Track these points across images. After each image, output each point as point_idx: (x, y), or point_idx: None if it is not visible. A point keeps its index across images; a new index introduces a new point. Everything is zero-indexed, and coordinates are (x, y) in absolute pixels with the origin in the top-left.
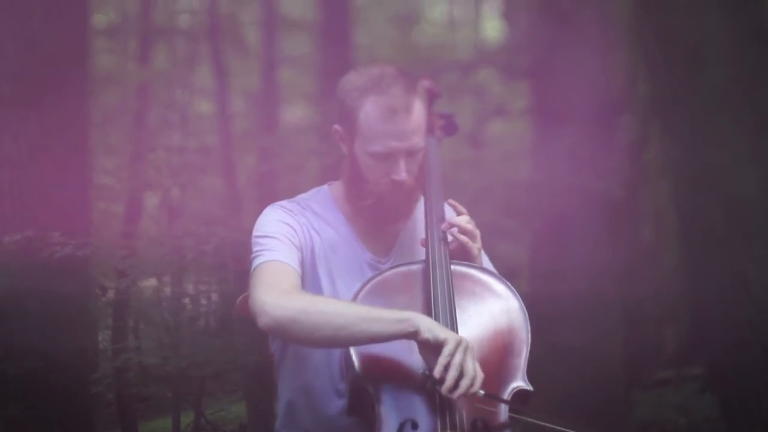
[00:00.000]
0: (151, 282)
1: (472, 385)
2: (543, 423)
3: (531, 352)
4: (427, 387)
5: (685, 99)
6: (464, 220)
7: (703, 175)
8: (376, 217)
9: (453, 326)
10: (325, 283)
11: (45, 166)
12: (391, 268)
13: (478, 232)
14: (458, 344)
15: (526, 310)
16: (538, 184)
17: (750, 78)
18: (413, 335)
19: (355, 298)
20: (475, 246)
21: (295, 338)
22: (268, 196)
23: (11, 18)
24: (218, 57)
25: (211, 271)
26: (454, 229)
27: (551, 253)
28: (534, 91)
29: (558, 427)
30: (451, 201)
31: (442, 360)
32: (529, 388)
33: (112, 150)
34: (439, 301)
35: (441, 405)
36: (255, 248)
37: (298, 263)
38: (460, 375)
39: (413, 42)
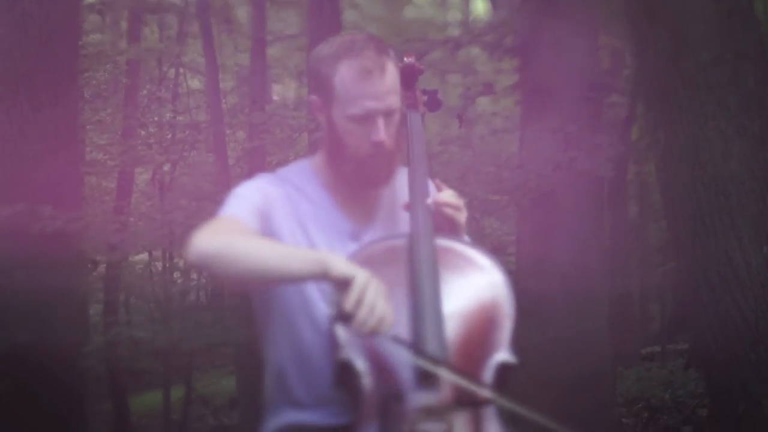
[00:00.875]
0: (143, 257)
1: (380, 324)
2: (522, 410)
3: (517, 329)
4: (337, 322)
5: (670, 78)
6: (448, 194)
7: (689, 155)
8: (359, 183)
9: (437, 300)
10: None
11: (36, 142)
12: (375, 242)
13: (462, 203)
14: (368, 280)
15: (509, 283)
16: (525, 162)
17: (735, 58)
18: (325, 274)
19: None
20: (462, 216)
21: (216, 273)
22: (258, 171)
23: None
24: (208, 34)
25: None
26: (445, 208)
27: (538, 230)
28: (522, 69)
29: (536, 417)
30: (436, 181)
31: (353, 294)
32: (513, 361)
33: (104, 126)
34: (423, 275)
35: (425, 378)
36: (221, 208)
37: (253, 222)
38: (371, 312)
39: (403, 20)
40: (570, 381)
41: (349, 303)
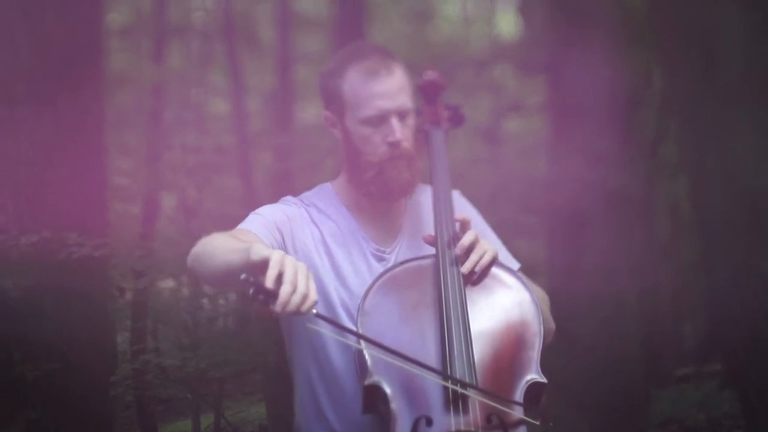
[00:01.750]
0: (169, 283)
1: (303, 302)
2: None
3: (551, 350)
4: (257, 297)
5: (700, 94)
6: (468, 240)
7: (720, 170)
8: (380, 193)
9: (465, 320)
10: (328, 272)
11: (60, 167)
12: (401, 263)
13: (486, 244)
14: (283, 257)
15: (537, 302)
16: (554, 180)
17: (765, 72)
18: (248, 261)
19: (366, 295)
20: (490, 251)
21: (197, 274)
22: (285, 194)
23: (25, 17)
24: (233, 55)
25: None
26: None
27: (568, 250)
28: (550, 86)
29: None
30: (457, 216)
31: (270, 271)
32: (543, 380)
33: (128, 150)
34: (449, 295)
35: (455, 401)
36: None
37: (268, 236)
38: (292, 289)
39: (428, 38)
40: (603, 402)
41: (268, 279)
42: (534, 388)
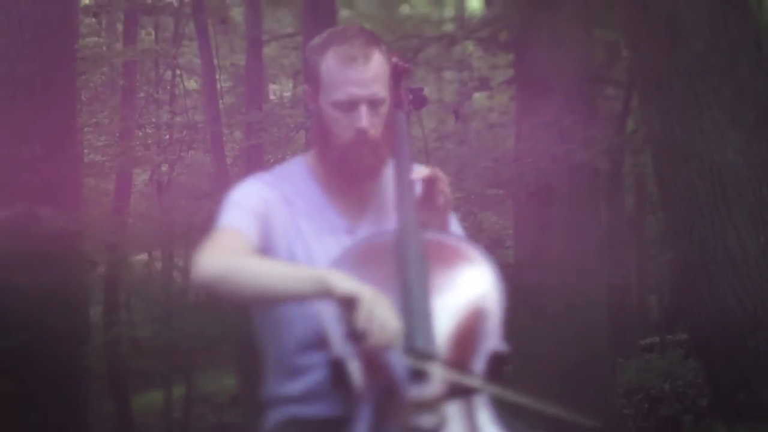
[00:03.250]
0: (142, 257)
1: (394, 336)
2: (514, 398)
3: (518, 321)
4: (350, 341)
5: (665, 69)
6: (443, 176)
7: (684, 145)
8: (345, 174)
9: (426, 295)
10: (299, 250)
11: (35, 144)
12: (364, 239)
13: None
14: (375, 296)
15: (498, 273)
16: (521, 155)
17: (729, 47)
18: (328, 293)
19: (331, 269)
20: (447, 190)
21: (220, 296)
22: (256, 170)
23: None
24: (204, 35)
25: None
26: (440, 184)
27: (535, 223)
28: (516, 63)
29: (532, 403)
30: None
31: (363, 313)
32: (505, 349)
33: (101, 128)
34: (412, 270)
35: (416, 373)
36: (220, 214)
37: (254, 231)
38: (383, 328)
39: (398, 17)
40: (569, 372)
41: (360, 322)
42: (496, 357)
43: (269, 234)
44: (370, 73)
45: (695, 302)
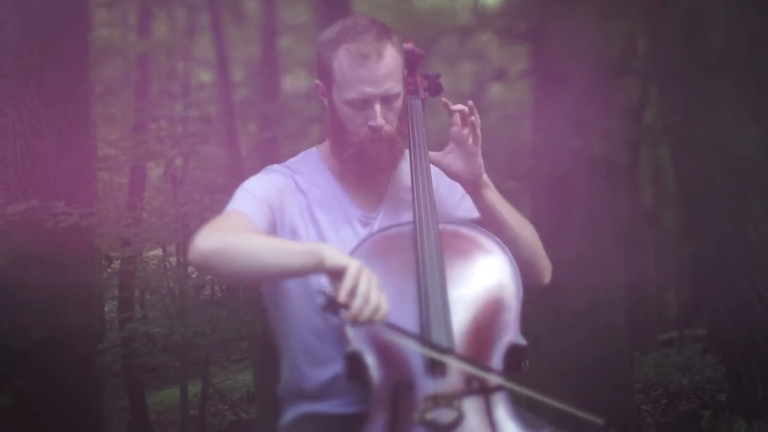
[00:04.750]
0: (156, 252)
1: (375, 313)
2: (533, 394)
3: (536, 317)
4: (330, 310)
5: (684, 62)
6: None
7: (703, 137)
8: (360, 169)
9: (443, 285)
10: (314, 239)
11: (48, 138)
12: (382, 230)
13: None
14: (360, 270)
15: (516, 265)
16: (538, 147)
17: (749, 41)
18: (319, 266)
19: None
20: (479, 140)
21: (216, 271)
22: (270, 163)
23: None
24: (218, 26)
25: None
26: (466, 114)
27: (553, 216)
28: (533, 54)
29: (547, 400)
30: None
31: (345, 284)
32: (523, 342)
33: (115, 121)
34: (428, 262)
35: (434, 365)
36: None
37: (262, 217)
38: (365, 302)
39: (412, 7)
40: (587, 367)
41: (342, 293)
42: (514, 350)
43: (282, 222)
44: (382, 70)
45: (714, 297)
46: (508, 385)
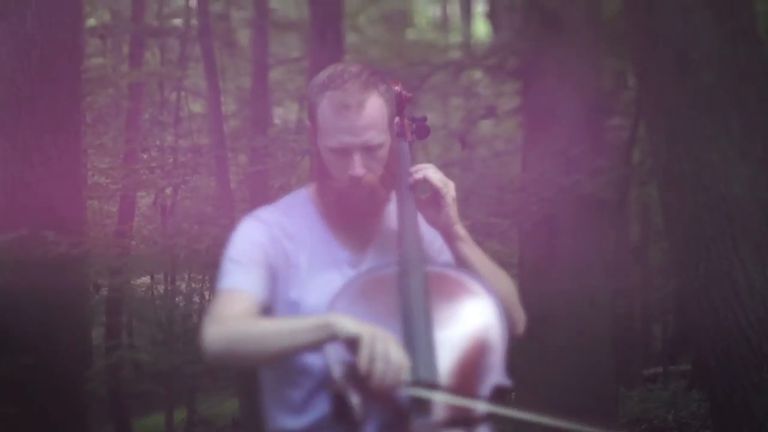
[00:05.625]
0: (145, 280)
1: (399, 372)
2: (518, 415)
3: (522, 351)
4: (354, 384)
5: (673, 100)
6: (432, 169)
7: (692, 177)
8: (343, 215)
9: (429, 328)
10: (301, 285)
11: (39, 166)
12: (367, 272)
13: (451, 183)
14: (375, 334)
15: (500, 305)
16: (527, 185)
17: (737, 79)
18: (332, 338)
19: (331, 305)
20: (450, 193)
21: (234, 366)
22: (260, 194)
23: (5, 19)
24: (210, 57)
25: (203, 269)
26: (428, 177)
27: (541, 253)
28: (523, 92)
29: (534, 417)
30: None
31: (364, 352)
32: (508, 383)
33: (106, 150)
34: (414, 303)
35: (419, 405)
36: (221, 274)
37: (258, 285)
38: (386, 365)
39: (404, 43)
40: (573, 402)
41: (362, 362)
42: (500, 391)
43: (276, 274)
44: (363, 120)
45: (699, 335)
46: (494, 410)
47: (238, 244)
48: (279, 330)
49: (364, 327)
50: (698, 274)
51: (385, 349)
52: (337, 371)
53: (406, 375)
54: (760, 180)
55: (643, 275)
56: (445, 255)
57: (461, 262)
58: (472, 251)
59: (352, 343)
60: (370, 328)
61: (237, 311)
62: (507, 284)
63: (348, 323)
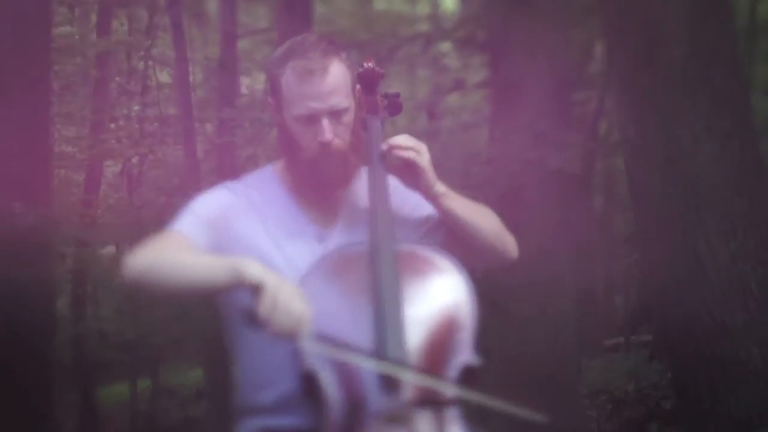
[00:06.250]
0: (110, 249)
1: (299, 325)
2: (488, 403)
3: (486, 322)
4: (252, 326)
5: (641, 74)
6: (403, 139)
7: (658, 151)
8: (314, 184)
9: (398, 305)
10: (275, 254)
11: (5, 135)
12: (336, 250)
13: (423, 146)
14: (279, 284)
15: (470, 284)
16: (494, 157)
17: (706, 55)
18: (239, 281)
19: (303, 282)
20: (424, 159)
21: (146, 290)
22: (228, 166)
23: None
24: (178, 27)
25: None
26: (397, 150)
27: (506, 225)
28: (491, 64)
29: (502, 406)
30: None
31: (265, 299)
32: (476, 362)
33: (73, 119)
34: (384, 280)
35: (387, 384)
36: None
37: (202, 237)
38: (287, 315)
39: (373, 14)
40: (536, 373)
41: (262, 308)
42: (468, 371)
43: (227, 240)
44: (328, 86)
45: (662, 307)
46: (461, 393)
47: (201, 199)
48: (194, 263)
49: (271, 276)
50: (663, 247)
51: (287, 300)
52: (238, 316)
53: (305, 330)
54: (726, 155)
55: (606, 245)
56: (421, 210)
57: (447, 217)
58: (454, 202)
59: (257, 290)
60: (277, 279)
61: (169, 246)
62: (491, 218)
63: (256, 270)
